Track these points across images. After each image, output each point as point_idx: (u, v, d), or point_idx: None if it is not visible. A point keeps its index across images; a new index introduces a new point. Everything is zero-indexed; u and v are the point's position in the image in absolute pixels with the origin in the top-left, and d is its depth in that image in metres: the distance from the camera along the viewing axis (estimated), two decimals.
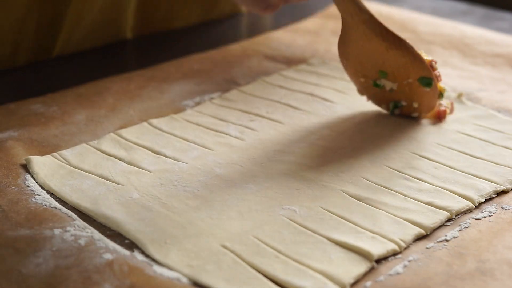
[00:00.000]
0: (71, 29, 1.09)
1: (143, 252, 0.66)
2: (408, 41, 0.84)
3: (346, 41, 0.87)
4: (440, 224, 0.71)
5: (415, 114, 0.89)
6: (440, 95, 0.87)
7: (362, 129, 0.88)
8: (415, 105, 0.88)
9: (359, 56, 0.87)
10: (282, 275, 0.62)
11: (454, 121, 0.91)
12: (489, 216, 0.72)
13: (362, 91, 0.92)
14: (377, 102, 0.91)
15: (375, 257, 0.65)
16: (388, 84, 0.88)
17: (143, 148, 0.84)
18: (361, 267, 0.64)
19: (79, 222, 0.69)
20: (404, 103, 0.89)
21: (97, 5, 1.10)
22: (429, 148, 0.84)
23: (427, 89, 0.85)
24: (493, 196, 0.76)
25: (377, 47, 0.85)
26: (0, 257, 0.64)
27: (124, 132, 0.87)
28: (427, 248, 0.67)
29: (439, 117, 0.90)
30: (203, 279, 0.62)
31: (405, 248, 0.67)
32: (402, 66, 0.85)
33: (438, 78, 0.86)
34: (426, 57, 0.86)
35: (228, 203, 0.73)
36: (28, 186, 0.75)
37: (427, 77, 0.85)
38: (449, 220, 0.72)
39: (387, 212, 0.72)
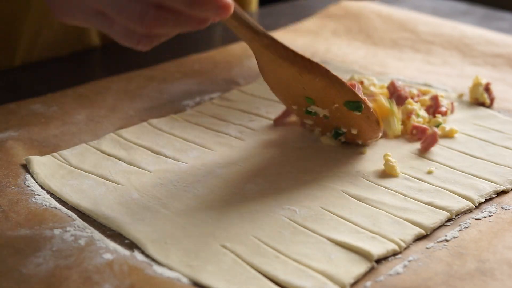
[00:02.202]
0: (32, 40, 1.08)
1: (143, 252, 0.66)
2: (323, 66, 0.77)
3: (261, 68, 0.80)
4: (440, 224, 0.71)
5: (360, 141, 0.83)
6: (395, 121, 0.83)
7: None
8: (354, 131, 0.81)
9: (280, 83, 0.80)
10: (282, 275, 0.62)
11: (454, 121, 0.91)
12: (489, 216, 0.72)
13: (300, 119, 0.86)
14: (320, 130, 0.85)
15: (375, 257, 0.65)
16: (320, 111, 0.81)
17: (143, 148, 0.84)
18: (361, 267, 0.64)
19: (79, 222, 0.69)
20: (344, 130, 0.82)
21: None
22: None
23: (359, 114, 0.78)
24: (493, 196, 0.76)
25: (290, 72, 0.77)
26: (0, 257, 0.64)
27: (124, 132, 0.87)
28: (427, 248, 0.67)
29: (426, 146, 0.84)
30: (203, 279, 0.62)
31: (405, 248, 0.67)
32: (322, 90, 0.78)
33: (374, 100, 0.82)
34: (355, 79, 0.85)
35: (228, 203, 0.73)
36: (28, 186, 0.75)
37: (353, 100, 0.78)
38: (449, 220, 0.72)
39: (387, 212, 0.72)
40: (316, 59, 1.10)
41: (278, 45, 0.76)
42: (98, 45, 1.17)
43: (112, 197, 0.74)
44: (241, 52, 1.12)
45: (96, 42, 1.17)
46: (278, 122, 0.89)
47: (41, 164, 0.78)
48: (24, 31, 1.06)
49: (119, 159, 0.81)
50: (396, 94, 0.91)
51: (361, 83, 0.93)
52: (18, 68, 1.07)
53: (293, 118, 0.88)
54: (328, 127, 0.83)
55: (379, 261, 0.65)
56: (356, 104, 0.78)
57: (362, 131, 0.81)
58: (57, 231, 0.67)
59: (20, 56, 1.08)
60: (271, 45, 0.76)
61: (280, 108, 0.94)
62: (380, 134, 0.83)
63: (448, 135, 0.87)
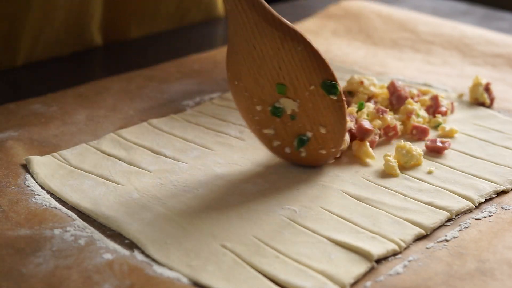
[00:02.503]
0: (34, 39, 1.08)
1: (143, 252, 0.66)
2: (307, 37, 0.74)
3: (236, 53, 0.77)
4: (440, 224, 0.71)
5: (323, 151, 0.77)
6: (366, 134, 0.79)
7: None
8: (322, 130, 0.76)
9: (253, 70, 0.76)
10: (282, 275, 0.62)
11: (454, 121, 0.91)
12: (489, 216, 0.72)
13: (259, 136, 0.80)
14: (279, 145, 0.79)
15: (375, 257, 0.65)
16: (289, 105, 0.76)
17: (143, 148, 0.84)
18: (361, 267, 0.64)
19: (79, 222, 0.69)
20: (309, 135, 0.77)
21: (59, 17, 1.09)
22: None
23: (334, 98, 0.75)
24: (493, 196, 0.76)
25: (271, 44, 0.74)
26: (0, 257, 0.64)
27: (124, 132, 0.87)
28: (427, 248, 0.67)
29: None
30: (203, 279, 0.62)
31: (405, 248, 0.67)
32: (300, 66, 0.74)
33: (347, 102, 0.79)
34: (355, 79, 0.85)
35: (228, 203, 0.73)
36: (28, 186, 0.75)
37: (330, 81, 0.74)
38: (449, 220, 0.72)
39: (387, 212, 0.72)
40: None
41: (265, 6, 0.73)
42: (100, 44, 1.17)
43: (112, 197, 0.74)
44: None
45: (98, 41, 1.17)
46: None
47: (41, 164, 0.78)
48: (25, 31, 1.06)
49: (119, 159, 0.81)
50: (396, 94, 0.91)
51: (361, 83, 0.93)
52: (18, 68, 1.07)
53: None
54: (290, 136, 0.78)
55: (379, 261, 0.65)
56: (333, 85, 0.74)
57: (330, 132, 0.76)
58: (57, 231, 0.67)
59: (22, 56, 1.08)
60: (259, 5, 0.73)
61: None
62: (344, 147, 0.79)
63: (448, 135, 0.87)
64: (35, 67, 1.08)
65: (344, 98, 0.75)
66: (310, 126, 0.77)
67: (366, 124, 0.82)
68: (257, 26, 0.74)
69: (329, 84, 0.75)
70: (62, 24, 1.10)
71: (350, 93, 0.93)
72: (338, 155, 0.80)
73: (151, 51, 1.17)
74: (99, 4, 1.14)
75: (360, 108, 0.88)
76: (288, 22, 0.74)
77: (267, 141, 0.80)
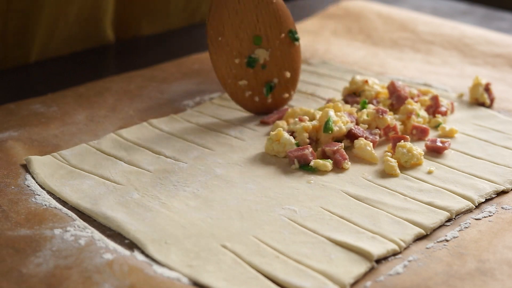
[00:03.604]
0: (48, 36, 1.07)
1: (143, 252, 0.66)
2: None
3: (222, 9, 0.88)
4: (440, 224, 0.71)
5: (286, 95, 0.93)
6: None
7: None
8: (288, 74, 0.92)
9: (235, 24, 0.89)
10: (282, 275, 0.62)
11: (454, 121, 0.91)
12: (489, 216, 0.72)
13: (233, 89, 0.92)
14: (251, 95, 0.92)
15: (375, 257, 0.65)
16: (262, 55, 0.90)
17: (143, 148, 0.84)
18: (361, 267, 0.64)
19: (79, 222, 0.69)
20: (276, 81, 0.92)
21: (72, 13, 1.09)
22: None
23: (297, 44, 0.91)
24: (493, 196, 0.76)
25: None
26: (0, 257, 0.64)
27: (124, 132, 0.87)
28: (427, 248, 0.67)
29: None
30: (203, 279, 0.62)
31: (405, 248, 0.67)
32: (274, 17, 0.90)
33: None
34: (357, 80, 0.92)
35: (228, 203, 0.73)
36: (28, 186, 0.75)
37: (294, 30, 0.91)
38: (449, 220, 0.72)
39: (387, 212, 0.72)
40: (316, 59, 1.11)
41: None
42: (113, 40, 1.17)
43: (112, 197, 0.74)
44: None
45: (111, 37, 1.17)
46: (264, 122, 0.91)
47: (41, 164, 0.78)
48: (39, 27, 1.06)
49: (119, 159, 0.81)
50: (396, 94, 0.91)
51: (366, 82, 0.93)
52: (19, 68, 1.07)
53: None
54: (260, 85, 0.91)
55: (379, 261, 0.65)
56: (296, 33, 0.92)
57: (293, 75, 0.92)
58: (57, 231, 0.67)
59: (35, 52, 1.08)
60: None
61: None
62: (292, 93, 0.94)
63: (448, 135, 0.87)
64: (35, 67, 1.08)
65: (299, 44, 0.92)
66: (277, 72, 0.92)
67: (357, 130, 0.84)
68: None
69: (293, 33, 0.91)
70: (76, 19, 1.09)
71: (355, 93, 0.94)
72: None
73: (151, 51, 1.17)
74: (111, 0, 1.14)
75: (363, 107, 0.88)
76: None
77: (240, 93, 0.91)
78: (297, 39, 0.92)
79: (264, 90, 0.92)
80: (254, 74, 0.91)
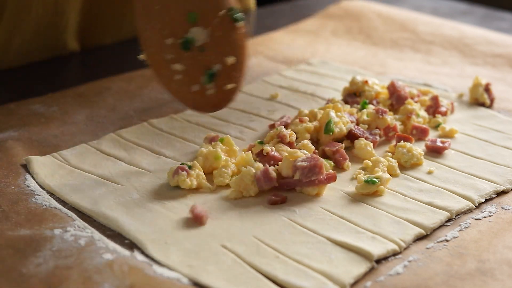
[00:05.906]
0: (4, 47, 1.05)
1: (143, 252, 0.66)
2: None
3: None
4: (440, 224, 0.71)
5: (231, 86, 0.78)
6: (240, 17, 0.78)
7: None
8: (230, 59, 0.77)
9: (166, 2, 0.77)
10: (282, 275, 0.62)
11: (454, 121, 0.91)
12: (489, 216, 0.72)
13: (166, 78, 0.79)
14: (185, 84, 0.79)
15: (375, 257, 0.65)
16: (199, 35, 0.77)
17: (143, 148, 0.84)
18: (361, 267, 0.64)
19: (79, 222, 0.69)
20: (218, 67, 0.78)
21: (31, 22, 1.05)
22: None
23: (239, 26, 0.77)
24: (493, 196, 0.76)
25: None
26: (0, 257, 0.64)
27: (124, 132, 0.87)
28: (427, 248, 0.67)
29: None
30: (203, 279, 0.62)
31: (405, 248, 0.67)
32: None
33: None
34: (357, 80, 0.88)
35: (228, 203, 0.73)
36: (28, 186, 0.75)
37: (235, 8, 0.77)
38: (449, 220, 0.72)
39: (387, 212, 0.72)
40: (316, 59, 1.11)
41: None
42: (77, 49, 1.14)
43: (112, 197, 0.74)
44: None
45: (74, 46, 1.14)
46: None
47: (41, 164, 0.78)
48: None
49: (119, 159, 0.81)
50: (396, 94, 0.91)
51: (366, 82, 0.93)
52: (18, 68, 1.07)
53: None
54: (198, 71, 0.78)
55: (379, 261, 0.65)
56: (236, 12, 0.77)
57: (237, 61, 0.77)
58: (57, 231, 0.67)
59: None
60: None
61: (280, 108, 0.94)
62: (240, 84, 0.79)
63: (448, 135, 0.87)
64: (35, 67, 1.08)
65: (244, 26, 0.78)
66: (219, 57, 0.77)
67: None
68: None
69: (234, 10, 0.77)
70: (35, 31, 1.06)
71: (355, 93, 0.94)
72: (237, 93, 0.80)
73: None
74: (75, 10, 1.11)
75: (363, 107, 0.88)
76: None
77: (174, 82, 0.79)
78: (237, 20, 0.77)
79: (205, 78, 0.78)
80: (191, 58, 0.78)
